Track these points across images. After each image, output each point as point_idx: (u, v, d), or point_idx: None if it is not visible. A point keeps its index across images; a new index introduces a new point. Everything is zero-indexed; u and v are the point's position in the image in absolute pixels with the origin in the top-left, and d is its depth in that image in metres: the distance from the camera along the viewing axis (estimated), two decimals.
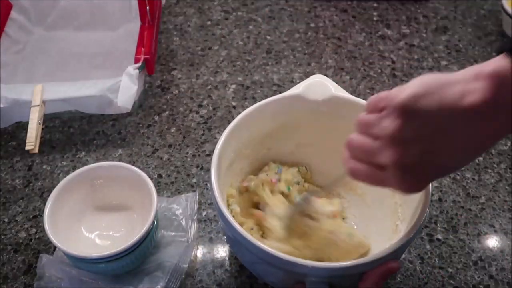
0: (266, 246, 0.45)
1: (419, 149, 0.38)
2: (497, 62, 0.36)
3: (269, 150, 0.61)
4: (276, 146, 0.61)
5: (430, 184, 0.49)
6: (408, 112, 0.37)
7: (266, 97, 0.76)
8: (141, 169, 0.57)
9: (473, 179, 0.67)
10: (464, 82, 0.37)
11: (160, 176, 0.67)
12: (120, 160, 0.68)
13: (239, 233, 0.46)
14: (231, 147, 0.55)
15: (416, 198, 0.50)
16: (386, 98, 0.39)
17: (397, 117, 0.38)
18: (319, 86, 0.57)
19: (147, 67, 0.74)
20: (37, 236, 0.61)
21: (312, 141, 0.60)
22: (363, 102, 0.57)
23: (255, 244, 0.45)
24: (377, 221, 0.57)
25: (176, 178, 0.67)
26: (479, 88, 0.36)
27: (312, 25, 0.89)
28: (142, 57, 0.73)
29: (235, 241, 0.48)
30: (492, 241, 0.61)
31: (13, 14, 0.83)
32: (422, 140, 0.37)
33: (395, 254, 0.45)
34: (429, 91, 0.37)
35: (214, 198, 0.49)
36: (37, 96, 0.66)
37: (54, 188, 0.56)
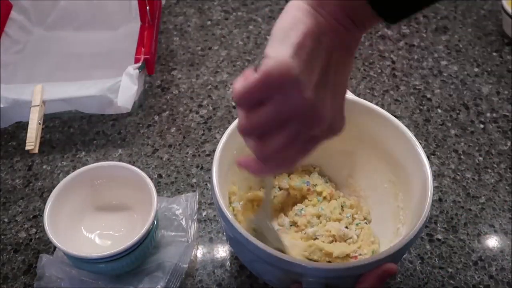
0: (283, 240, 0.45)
1: (329, 98, 0.38)
2: None
3: None
4: None
5: (431, 190, 0.49)
6: (301, 78, 0.35)
7: None
8: (141, 169, 0.57)
9: (473, 179, 0.67)
10: (310, 15, 0.37)
11: (160, 176, 0.67)
12: (120, 160, 0.68)
13: (238, 232, 0.46)
14: (233, 145, 0.55)
15: (418, 202, 0.50)
16: (266, 85, 0.35)
17: (294, 90, 0.35)
18: None
19: (147, 67, 0.74)
20: (37, 236, 0.61)
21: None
22: (364, 102, 0.57)
23: (253, 243, 0.45)
24: (378, 224, 0.57)
25: (176, 178, 0.67)
26: (328, 14, 0.37)
27: None
28: (142, 57, 0.73)
29: (235, 239, 0.48)
30: (492, 241, 0.61)
31: (13, 14, 0.83)
32: (325, 88, 0.37)
33: (393, 256, 0.45)
34: (297, 45, 0.35)
35: (214, 196, 0.49)
36: (37, 96, 0.66)
37: (54, 188, 0.56)
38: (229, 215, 0.47)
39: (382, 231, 0.56)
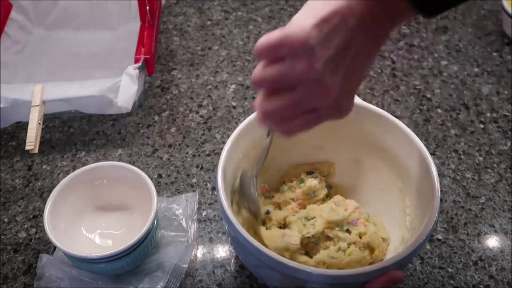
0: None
1: (340, 77, 0.38)
2: None
3: (277, 152, 0.60)
4: (284, 149, 0.60)
5: (438, 197, 0.49)
6: (314, 47, 0.37)
7: None
8: (141, 169, 0.57)
9: (473, 179, 0.67)
10: None
11: (160, 176, 0.67)
12: (120, 160, 0.68)
13: (243, 237, 0.46)
14: (239, 148, 0.55)
15: (425, 208, 0.49)
16: (285, 43, 0.37)
17: (305, 57, 0.37)
18: None
19: (147, 67, 0.74)
20: (37, 236, 0.61)
21: (319, 144, 0.60)
22: (367, 104, 0.57)
23: (258, 249, 0.45)
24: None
25: (176, 178, 0.67)
26: (361, 1, 0.38)
27: None
28: (142, 57, 0.73)
29: (239, 244, 0.47)
30: (492, 241, 0.61)
31: (13, 14, 0.83)
32: (338, 67, 0.38)
33: (399, 264, 0.45)
34: (322, 18, 0.37)
35: (219, 200, 0.49)
36: (37, 96, 0.66)
37: (54, 188, 0.56)
38: (235, 220, 0.47)
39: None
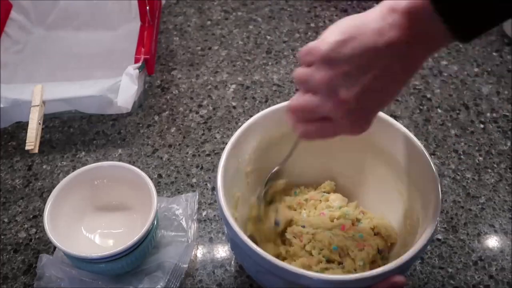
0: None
1: (355, 93, 0.39)
2: None
3: (277, 156, 0.60)
4: (283, 155, 0.60)
5: (440, 202, 0.48)
6: (333, 61, 0.39)
7: (266, 97, 0.77)
8: (141, 169, 0.57)
9: (473, 179, 0.67)
10: (380, 19, 0.38)
11: (160, 176, 0.67)
12: (120, 160, 0.68)
13: (243, 242, 0.45)
14: (238, 153, 0.54)
15: (426, 211, 0.49)
16: (311, 52, 0.41)
17: (325, 68, 0.40)
18: None
19: (147, 67, 0.74)
20: (37, 236, 0.61)
21: (325, 149, 0.59)
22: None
23: (258, 254, 0.44)
24: None
25: (176, 178, 0.67)
26: (395, 24, 0.37)
27: (312, 25, 0.89)
28: (142, 57, 0.73)
29: (239, 248, 0.47)
30: (492, 241, 0.61)
31: (13, 14, 0.83)
32: (355, 83, 0.39)
33: (402, 268, 0.44)
34: (349, 36, 0.39)
35: (219, 205, 0.48)
36: (37, 96, 0.66)
37: (54, 188, 0.56)
38: (235, 226, 0.46)
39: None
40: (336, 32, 0.39)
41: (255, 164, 0.57)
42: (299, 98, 0.43)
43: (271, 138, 0.57)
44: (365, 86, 0.39)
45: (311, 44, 0.41)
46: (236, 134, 0.54)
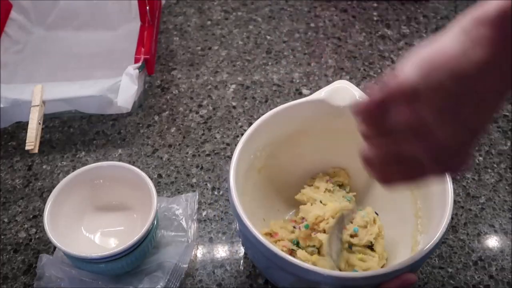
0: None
1: (446, 129, 0.34)
2: (497, 1, 0.30)
3: (288, 155, 0.60)
4: (295, 152, 0.60)
5: (451, 200, 0.48)
6: (421, 95, 0.33)
7: (266, 97, 0.77)
8: (141, 169, 0.57)
9: (473, 179, 0.67)
10: (463, 35, 0.32)
11: (160, 176, 0.67)
12: (120, 160, 0.68)
13: (255, 237, 0.45)
14: (250, 150, 0.54)
15: (437, 211, 0.49)
16: (388, 93, 0.35)
17: (412, 105, 0.34)
18: (343, 91, 0.56)
19: (147, 67, 0.74)
20: (37, 236, 0.61)
21: (336, 147, 0.59)
22: None
23: (270, 249, 0.44)
24: (397, 233, 0.56)
25: (176, 178, 0.67)
26: (486, 38, 0.31)
27: (312, 25, 0.89)
28: (142, 57, 0.73)
29: (250, 244, 0.47)
30: (492, 241, 0.61)
31: (13, 14, 0.83)
32: (447, 117, 0.33)
33: (412, 266, 0.44)
34: (430, 66, 0.33)
35: (231, 198, 0.49)
36: (37, 96, 0.66)
37: (54, 188, 0.56)
38: (246, 220, 0.46)
39: (401, 240, 0.55)
40: (415, 65, 0.33)
41: (267, 160, 0.58)
42: (378, 147, 0.37)
43: (286, 134, 0.57)
44: (459, 117, 0.33)
45: (378, 89, 0.35)
46: (248, 131, 0.54)
